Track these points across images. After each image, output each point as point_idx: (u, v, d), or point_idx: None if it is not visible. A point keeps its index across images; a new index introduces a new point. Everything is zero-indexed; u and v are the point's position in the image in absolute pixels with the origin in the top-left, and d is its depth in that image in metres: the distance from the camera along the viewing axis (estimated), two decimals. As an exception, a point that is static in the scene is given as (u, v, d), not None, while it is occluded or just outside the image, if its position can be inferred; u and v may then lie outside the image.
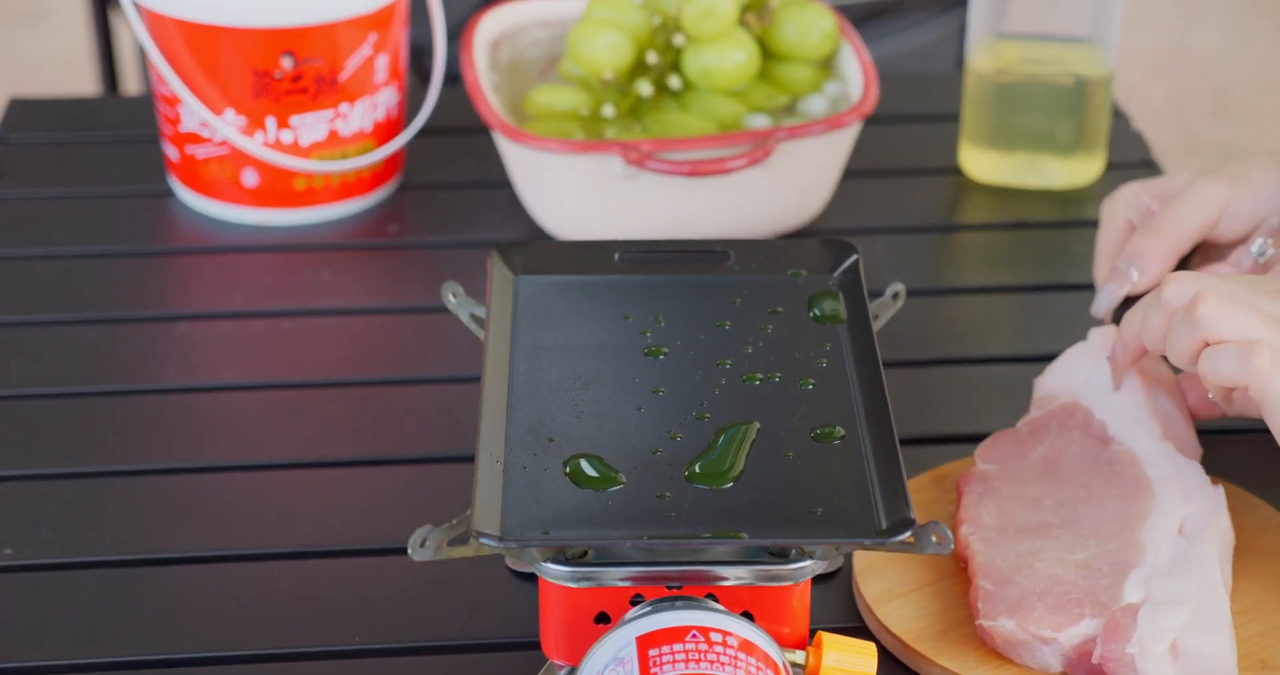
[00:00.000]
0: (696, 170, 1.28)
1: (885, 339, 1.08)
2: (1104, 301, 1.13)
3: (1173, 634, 0.95)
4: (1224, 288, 0.99)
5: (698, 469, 0.94)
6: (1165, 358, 1.05)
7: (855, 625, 1.02)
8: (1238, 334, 0.97)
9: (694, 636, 0.86)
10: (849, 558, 1.05)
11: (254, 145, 1.36)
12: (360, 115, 1.38)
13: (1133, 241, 1.12)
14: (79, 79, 3.00)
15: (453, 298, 1.05)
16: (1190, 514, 1.02)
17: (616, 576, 0.90)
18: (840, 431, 0.96)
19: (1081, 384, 1.11)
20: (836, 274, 1.07)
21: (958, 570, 1.04)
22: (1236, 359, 0.96)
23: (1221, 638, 0.95)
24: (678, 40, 1.35)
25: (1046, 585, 0.99)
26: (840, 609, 1.04)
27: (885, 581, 1.03)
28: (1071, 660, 0.96)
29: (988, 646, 0.98)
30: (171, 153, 1.41)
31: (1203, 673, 0.95)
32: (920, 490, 1.09)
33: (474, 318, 1.05)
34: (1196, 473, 1.05)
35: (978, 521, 1.04)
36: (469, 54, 1.37)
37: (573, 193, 1.32)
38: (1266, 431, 1.03)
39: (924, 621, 1.00)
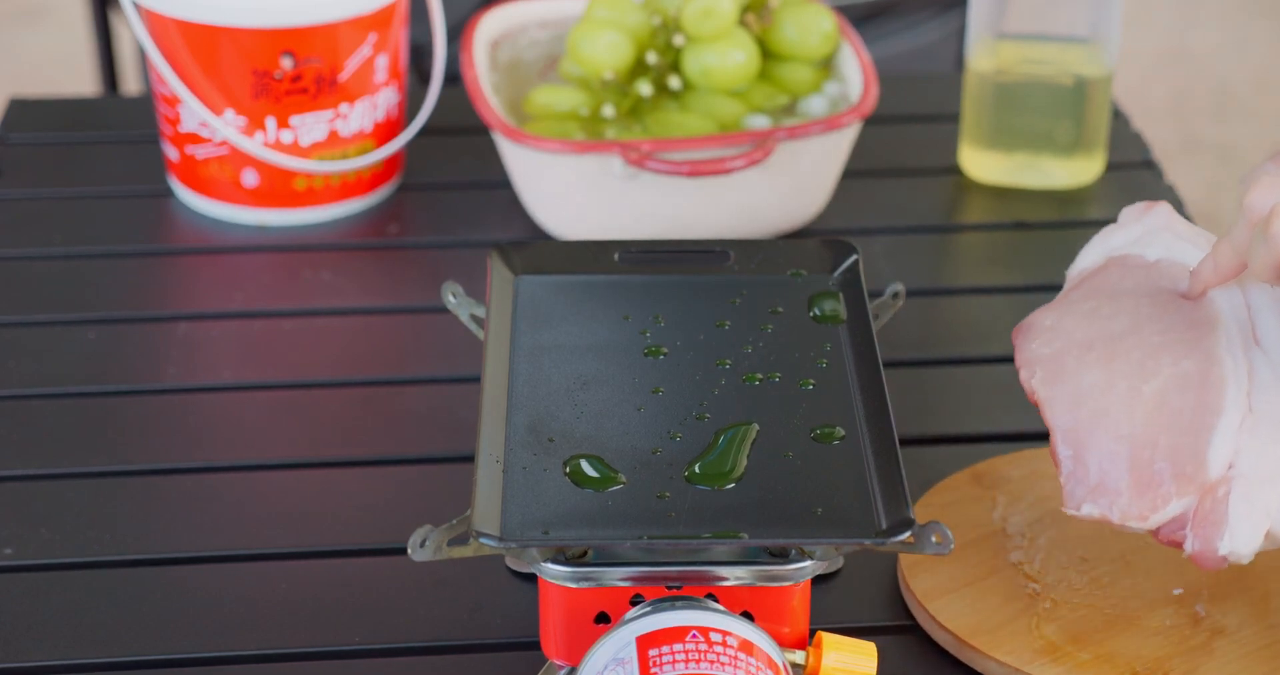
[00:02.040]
0: (696, 170, 1.28)
1: (885, 339, 1.08)
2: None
3: (1268, 522, 0.89)
4: None
5: (698, 469, 0.94)
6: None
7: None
8: None
9: (694, 636, 0.86)
10: (894, 555, 1.05)
11: (254, 145, 1.36)
12: (360, 115, 1.38)
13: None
14: (79, 79, 3.00)
15: (452, 298, 1.05)
16: (1256, 304, 0.94)
17: (616, 576, 0.90)
18: (840, 431, 0.96)
19: (1117, 248, 1.02)
20: (836, 274, 1.07)
21: (1008, 565, 1.04)
22: None
23: None
24: (678, 40, 1.35)
25: (1125, 450, 0.91)
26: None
27: (935, 578, 1.03)
28: (1162, 538, 0.92)
29: (1044, 640, 0.99)
30: (171, 153, 1.41)
31: None
32: (958, 487, 1.10)
33: (474, 318, 1.05)
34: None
35: (1035, 360, 0.95)
36: (469, 54, 1.37)
37: (573, 193, 1.32)
38: None
39: (978, 616, 1.01)
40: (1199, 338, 0.93)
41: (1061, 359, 0.95)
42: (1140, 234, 1.01)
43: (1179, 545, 0.92)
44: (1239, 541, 0.89)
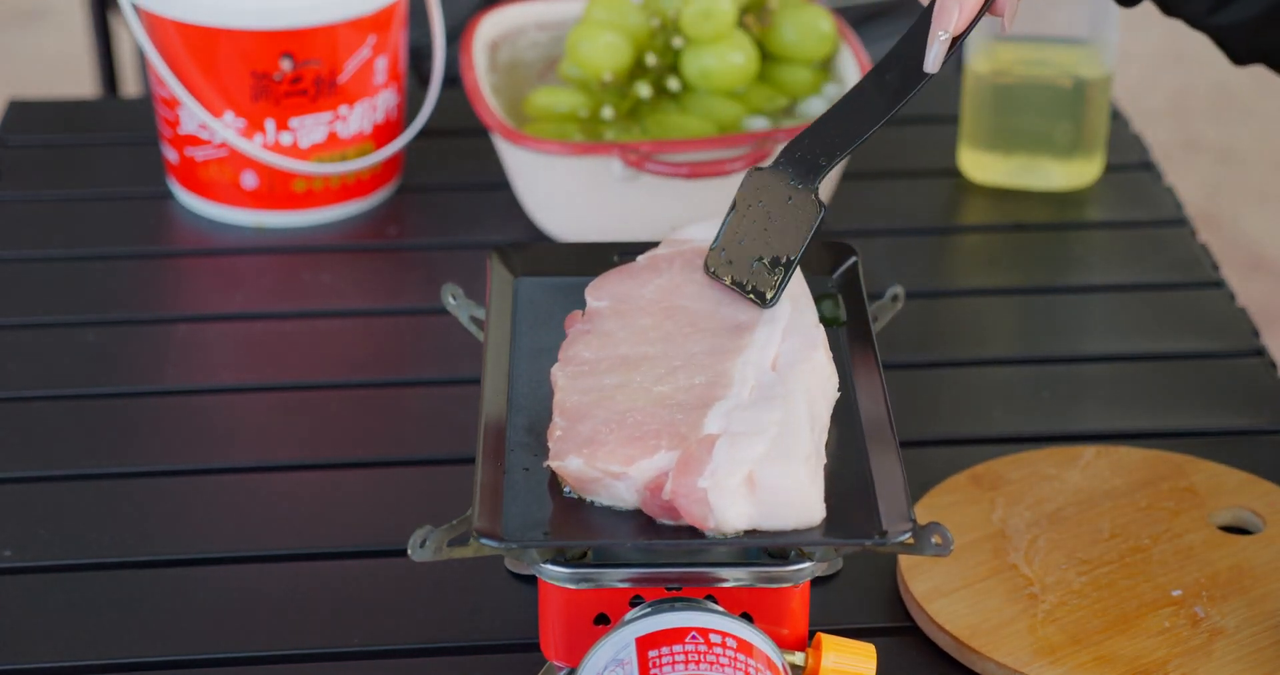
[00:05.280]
0: (696, 172, 1.28)
1: (885, 340, 1.08)
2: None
3: (748, 466, 0.88)
4: None
5: (697, 470, 0.93)
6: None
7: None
8: None
9: (693, 638, 0.86)
10: (893, 556, 1.05)
11: (253, 147, 1.36)
12: (359, 117, 1.38)
13: None
14: (79, 80, 3.00)
15: (452, 299, 1.05)
16: (785, 351, 0.96)
17: (616, 578, 0.90)
18: (840, 433, 0.96)
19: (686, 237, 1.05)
20: (836, 276, 1.07)
21: (1008, 566, 1.04)
22: None
23: (800, 468, 0.89)
24: (676, 42, 1.35)
25: (622, 417, 0.92)
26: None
27: (934, 580, 1.03)
28: (645, 497, 0.90)
29: (1043, 641, 0.99)
30: (171, 155, 1.41)
31: (782, 505, 0.89)
32: (958, 489, 1.10)
33: (474, 319, 1.06)
34: (806, 315, 0.99)
35: (574, 358, 0.97)
36: (468, 56, 1.37)
37: (572, 195, 1.32)
38: None
39: (977, 618, 1.01)
40: (715, 362, 0.96)
41: (596, 365, 0.97)
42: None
43: (660, 493, 0.89)
44: (719, 476, 0.88)
